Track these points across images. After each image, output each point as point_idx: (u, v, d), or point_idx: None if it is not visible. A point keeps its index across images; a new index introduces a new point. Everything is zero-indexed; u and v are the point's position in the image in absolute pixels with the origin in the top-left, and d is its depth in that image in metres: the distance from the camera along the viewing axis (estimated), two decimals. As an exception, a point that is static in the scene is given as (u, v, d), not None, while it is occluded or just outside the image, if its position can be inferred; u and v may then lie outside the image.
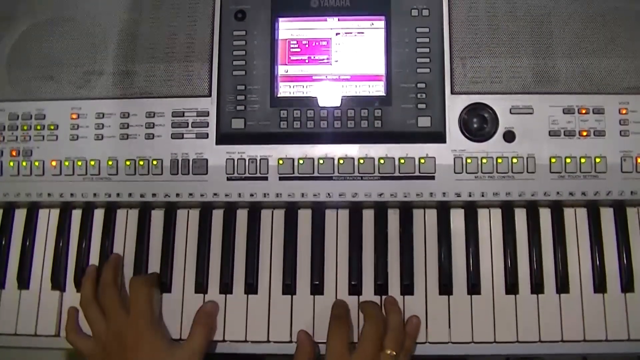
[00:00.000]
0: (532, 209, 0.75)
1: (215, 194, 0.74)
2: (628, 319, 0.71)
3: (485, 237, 0.74)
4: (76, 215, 0.78)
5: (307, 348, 0.70)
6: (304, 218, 0.76)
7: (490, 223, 0.75)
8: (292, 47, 0.76)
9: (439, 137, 0.74)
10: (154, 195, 0.75)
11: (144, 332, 0.68)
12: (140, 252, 0.76)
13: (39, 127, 0.76)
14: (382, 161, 0.73)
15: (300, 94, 0.75)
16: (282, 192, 0.74)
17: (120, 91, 0.76)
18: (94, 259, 0.76)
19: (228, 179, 0.74)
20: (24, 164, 0.76)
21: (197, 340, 0.69)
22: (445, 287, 0.73)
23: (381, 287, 0.73)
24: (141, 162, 0.75)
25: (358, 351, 0.66)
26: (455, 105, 0.74)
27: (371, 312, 0.70)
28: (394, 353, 0.66)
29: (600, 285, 0.72)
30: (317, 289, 0.73)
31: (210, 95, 0.75)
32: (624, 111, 0.73)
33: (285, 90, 0.75)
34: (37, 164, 0.76)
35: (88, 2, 0.78)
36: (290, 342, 0.72)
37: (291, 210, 0.76)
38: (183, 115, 0.75)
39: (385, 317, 0.70)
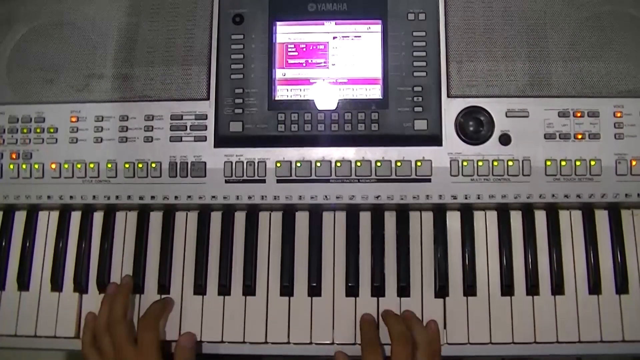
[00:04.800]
0: (527, 211, 0.75)
1: (213, 197, 0.75)
2: (622, 320, 0.71)
3: (481, 239, 0.75)
4: (75, 217, 0.79)
5: None
6: (302, 220, 0.76)
7: (486, 225, 0.75)
8: (290, 51, 0.76)
9: (435, 140, 0.74)
10: (152, 197, 0.75)
11: None
12: (139, 254, 0.76)
13: (38, 130, 0.77)
14: (378, 164, 0.74)
15: (298, 97, 0.76)
16: (279, 194, 0.74)
17: (119, 94, 0.77)
18: (93, 260, 0.77)
19: (226, 181, 0.75)
20: (24, 166, 0.77)
21: None
22: (442, 289, 0.73)
23: (378, 289, 0.74)
24: (140, 165, 0.75)
25: None
26: (451, 109, 0.74)
27: (397, 330, 0.69)
28: None
29: (595, 287, 0.73)
30: (314, 290, 0.74)
31: (208, 99, 0.76)
32: (618, 114, 0.73)
33: (282, 93, 0.76)
34: (36, 166, 0.76)
35: (87, 6, 0.78)
36: (288, 343, 0.73)
37: (289, 212, 0.77)
38: (181, 119, 0.76)
39: (409, 335, 0.69)
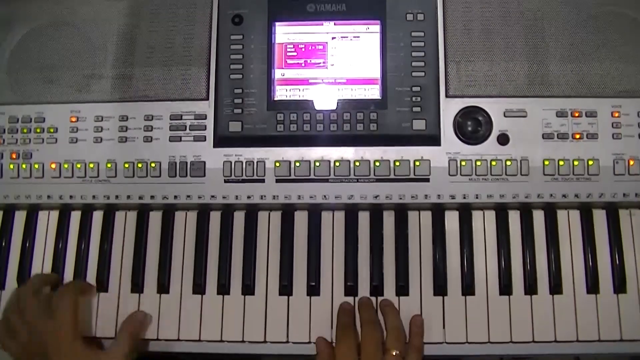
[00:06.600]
0: (525, 210, 0.75)
1: (212, 196, 0.75)
2: (620, 319, 0.72)
3: (479, 238, 0.75)
4: (75, 217, 0.79)
5: (326, 355, 0.70)
6: (301, 220, 0.77)
7: (484, 225, 0.76)
8: (289, 51, 0.77)
9: (433, 140, 0.74)
10: (152, 197, 0.76)
11: (65, 339, 0.67)
12: (139, 253, 0.77)
13: (38, 130, 0.77)
14: (377, 164, 0.74)
15: (297, 97, 0.76)
16: (278, 194, 0.75)
17: (119, 94, 0.77)
18: (92, 260, 0.77)
19: (225, 181, 0.75)
20: (24, 166, 0.77)
21: (123, 346, 0.69)
22: (440, 288, 0.73)
23: (376, 288, 0.74)
24: (139, 165, 0.76)
25: (362, 356, 0.67)
26: (449, 109, 0.75)
27: (366, 317, 0.70)
28: (399, 352, 0.67)
29: (593, 286, 0.73)
30: (313, 289, 0.74)
31: (207, 99, 0.76)
32: (616, 114, 0.74)
33: (282, 93, 0.76)
34: (36, 166, 0.77)
35: (87, 7, 0.79)
36: (287, 342, 0.73)
37: (288, 212, 0.77)
38: (181, 119, 0.76)
39: (378, 320, 0.71)
